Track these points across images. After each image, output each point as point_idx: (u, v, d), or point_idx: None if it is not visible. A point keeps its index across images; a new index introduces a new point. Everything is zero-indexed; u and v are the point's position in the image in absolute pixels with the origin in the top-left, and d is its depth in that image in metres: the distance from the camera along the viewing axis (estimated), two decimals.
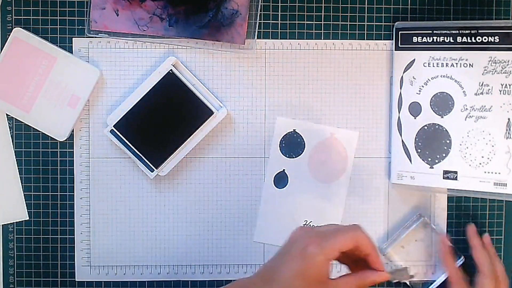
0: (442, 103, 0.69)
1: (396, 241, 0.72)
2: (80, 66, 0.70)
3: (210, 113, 0.70)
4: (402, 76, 0.71)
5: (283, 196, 0.72)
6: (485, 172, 0.67)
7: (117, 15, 0.69)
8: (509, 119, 0.66)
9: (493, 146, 0.66)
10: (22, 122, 0.70)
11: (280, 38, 0.72)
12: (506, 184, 0.66)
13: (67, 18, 0.71)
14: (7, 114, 0.71)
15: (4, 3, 0.70)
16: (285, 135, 0.72)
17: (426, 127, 0.69)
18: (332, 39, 0.72)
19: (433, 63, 0.69)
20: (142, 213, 0.72)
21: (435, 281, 0.72)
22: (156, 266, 0.72)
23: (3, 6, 0.70)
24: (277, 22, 0.72)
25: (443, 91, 0.69)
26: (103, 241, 0.72)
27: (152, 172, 0.70)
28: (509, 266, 0.73)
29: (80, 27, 0.71)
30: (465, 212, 0.73)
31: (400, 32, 0.71)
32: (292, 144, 0.72)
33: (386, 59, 0.72)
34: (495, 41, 0.66)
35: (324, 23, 0.72)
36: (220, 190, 0.72)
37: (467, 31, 0.68)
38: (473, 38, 0.68)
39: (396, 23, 0.71)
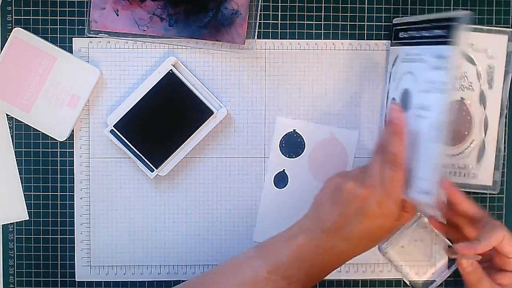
0: (405, 100, 0.65)
1: (396, 241, 0.72)
2: (80, 66, 0.70)
3: (210, 113, 0.70)
4: (390, 72, 0.70)
5: (283, 196, 0.72)
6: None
7: (117, 15, 0.69)
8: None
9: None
10: (22, 122, 0.70)
11: (280, 38, 0.72)
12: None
13: (67, 18, 0.71)
14: (7, 114, 0.71)
15: (4, 3, 0.70)
16: (285, 135, 0.72)
17: None
18: (332, 39, 0.72)
19: (406, 59, 0.67)
20: (142, 213, 0.72)
21: (435, 281, 0.72)
22: (156, 266, 0.72)
23: (3, 6, 0.70)
24: (277, 22, 0.72)
25: (407, 88, 0.65)
26: (103, 241, 0.72)
27: (152, 172, 0.70)
28: None
29: (80, 27, 0.71)
30: None
31: (394, 28, 0.70)
32: (292, 144, 0.72)
33: (386, 59, 0.72)
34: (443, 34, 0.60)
35: (324, 23, 0.72)
36: (220, 190, 0.72)
37: (437, 24, 0.61)
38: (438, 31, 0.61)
39: (394, 19, 0.71)
